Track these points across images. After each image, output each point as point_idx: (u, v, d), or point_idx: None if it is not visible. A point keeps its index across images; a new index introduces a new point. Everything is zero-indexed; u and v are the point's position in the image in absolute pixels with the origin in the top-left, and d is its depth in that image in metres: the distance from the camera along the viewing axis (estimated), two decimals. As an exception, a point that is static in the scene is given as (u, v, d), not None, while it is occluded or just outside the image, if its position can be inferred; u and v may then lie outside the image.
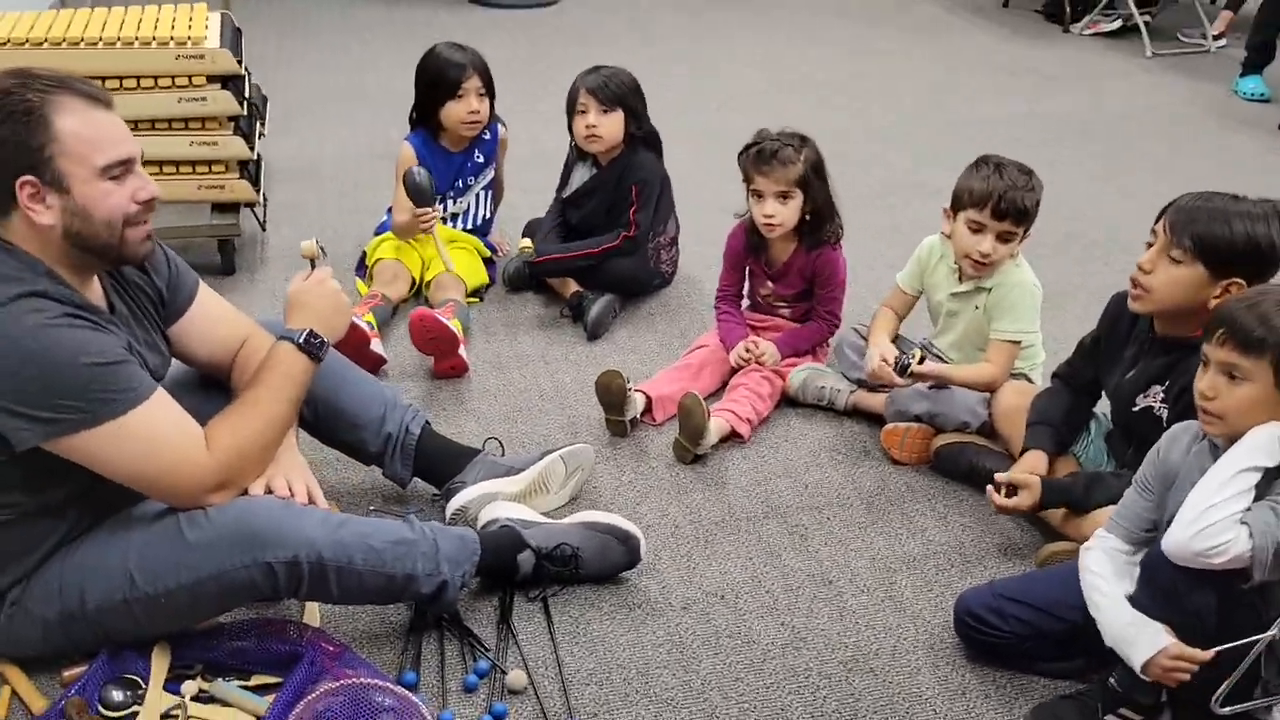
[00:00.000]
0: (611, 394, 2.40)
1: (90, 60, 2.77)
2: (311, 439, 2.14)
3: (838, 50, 5.45)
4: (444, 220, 3.08)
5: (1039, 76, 5.13)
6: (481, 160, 3.08)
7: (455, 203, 3.08)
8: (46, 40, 2.77)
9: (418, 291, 3.00)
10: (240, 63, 2.93)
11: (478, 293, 3.02)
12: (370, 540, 1.76)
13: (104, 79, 2.80)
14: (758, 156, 2.52)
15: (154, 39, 2.82)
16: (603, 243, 2.91)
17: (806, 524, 2.24)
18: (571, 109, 2.88)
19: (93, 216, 1.63)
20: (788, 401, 2.61)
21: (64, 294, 1.61)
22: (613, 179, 2.93)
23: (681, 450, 2.40)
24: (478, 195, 3.11)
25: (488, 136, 3.07)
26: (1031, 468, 2.13)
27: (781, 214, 2.55)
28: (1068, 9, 5.84)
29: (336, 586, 1.74)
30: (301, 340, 1.81)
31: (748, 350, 2.58)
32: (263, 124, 3.50)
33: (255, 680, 1.79)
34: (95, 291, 1.74)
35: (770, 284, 2.71)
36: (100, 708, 1.70)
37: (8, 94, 1.57)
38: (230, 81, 2.91)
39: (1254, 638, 1.57)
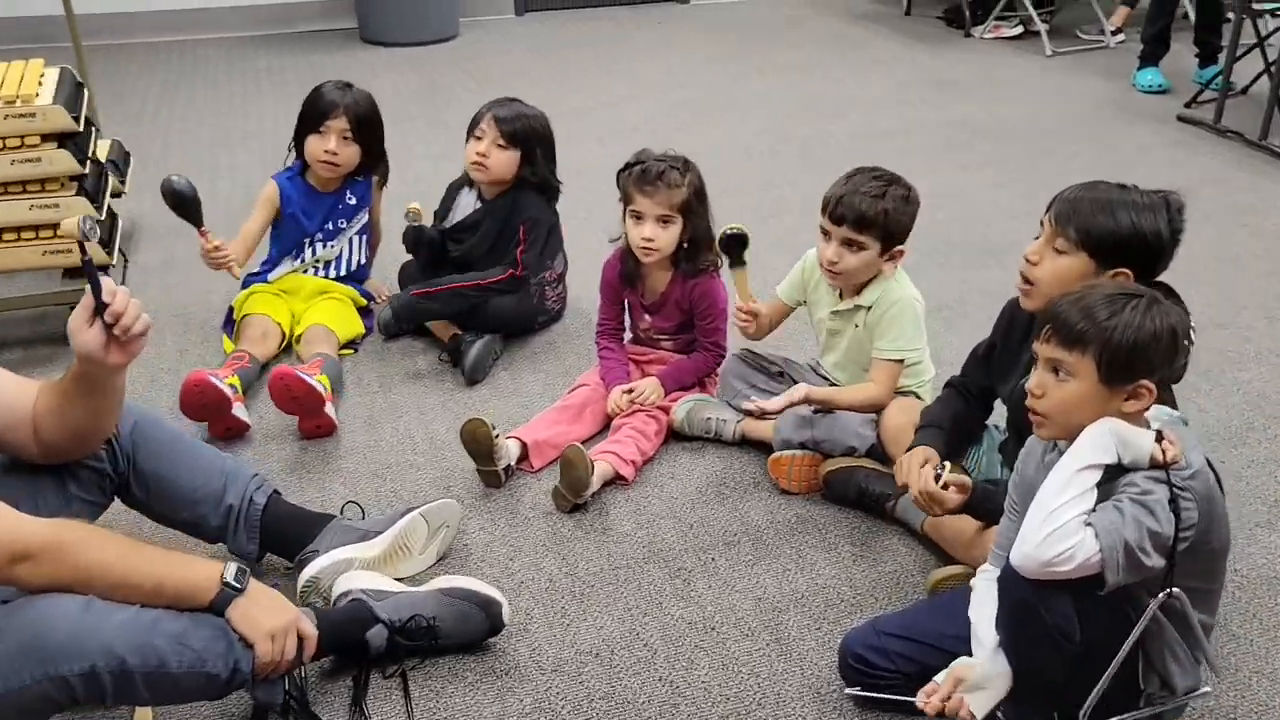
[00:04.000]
0: (478, 443, 2.26)
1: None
2: (150, 521, 1.98)
3: (739, 68, 5.38)
4: (314, 270, 2.94)
5: (941, 83, 5.09)
6: (354, 202, 2.94)
7: (326, 247, 2.94)
8: None
9: (288, 347, 2.84)
10: (79, 119, 2.77)
11: (352, 344, 2.88)
12: (186, 639, 1.59)
13: (-71, 144, 2.64)
14: (641, 176, 2.41)
15: (-26, 101, 2.66)
16: (488, 276, 2.77)
17: (690, 567, 2.11)
18: (470, 131, 2.76)
19: None
20: (675, 435, 2.49)
21: None
22: (500, 214, 2.80)
23: (561, 499, 2.26)
24: (351, 240, 2.97)
25: (360, 179, 2.93)
26: (921, 461, 2.03)
27: (661, 238, 2.43)
28: (968, 14, 5.83)
29: (147, 690, 1.57)
30: (230, 579, 1.63)
31: (624, 394, 2.45)
32: (122, 180, 3.35)
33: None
34: None
35: (648, 317, 2.59)
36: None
37: None
38: (69, 139, 2.75)
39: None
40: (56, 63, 3.04)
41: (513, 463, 2.35)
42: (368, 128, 2.84)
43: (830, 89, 5.03)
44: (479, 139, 2.74)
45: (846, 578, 2.07)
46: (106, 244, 2.91)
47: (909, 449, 2.02)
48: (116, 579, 1.58)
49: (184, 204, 2.57)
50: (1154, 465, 1.47)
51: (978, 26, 5.80)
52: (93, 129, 2.99)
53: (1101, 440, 1.48)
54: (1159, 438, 1.47)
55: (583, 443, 2.42)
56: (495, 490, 2.33)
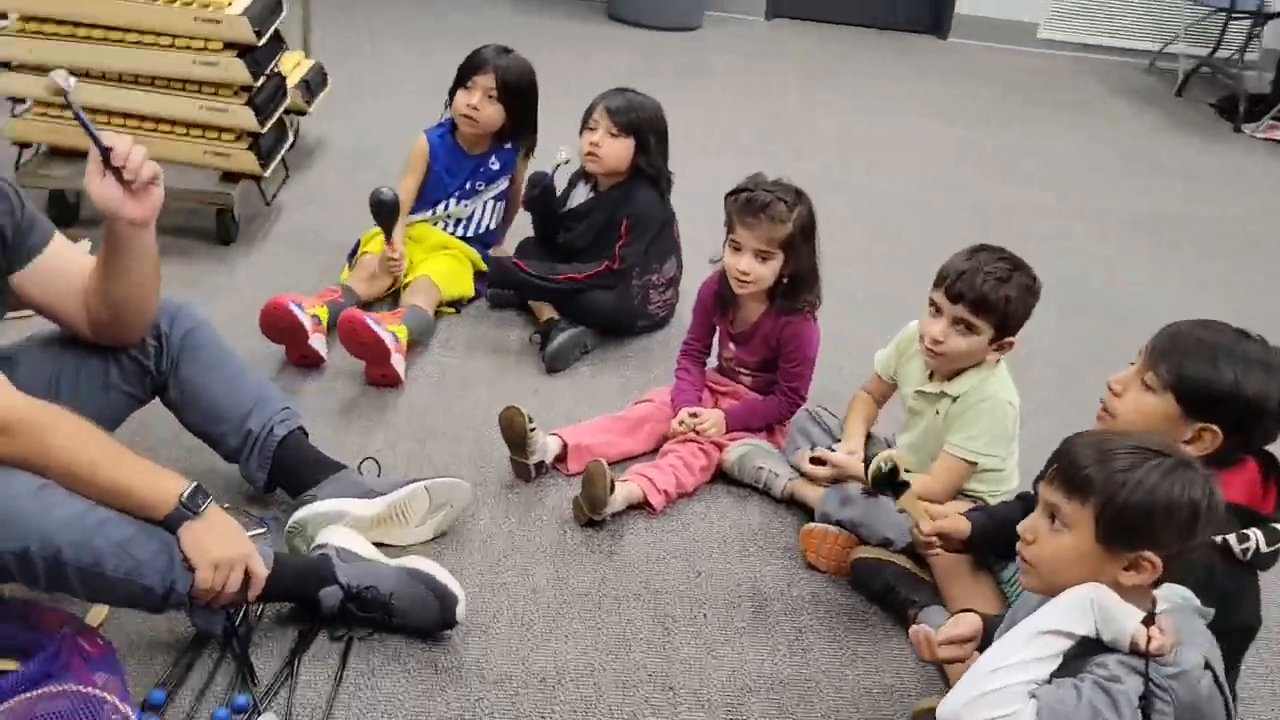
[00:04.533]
0: (513, 431, 2.21)
1: (111, 10, 2.78)
2: (178, 425, 2.04)
3: (974, 116, 5.07)
4: (444, 224, 2.96)
5: (1191, 174, 4.63)
6: (497, 167, 2.94)
7: (460, 205, 2.95)
8: (74, -15, 2.80)
9: (398, 292, 2.88)
10: (263, 34, 2.88)
11: (457, 304, 2.88)
12: (129, 547, 1.61)
13: (124, 30, 2.82)
14: (745, 205, 2.28)
15: (170, -1, 2.81)
16: (584, 269, 2.71)
17: (677, 616, 1.98)
18: (584, 123, 2.72)
19: None
20: (724, 476, 2.35)
21: None
22: (609, 206, 2.74)
23: (579, 511, 2.18)
24: (487, 203, 2.97)
25: (509, 146, 2.93)
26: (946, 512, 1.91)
27: (757, 273, 2.30)
28: (1242, 108, 5.28)
29: (81, 586, 1.61)
30: (186, 498, 1.64)
31: (687, 421, 2.34)
32: (309, 101, 3.48)
33: (3, 663, 1.67)
34: None
35: (733, 346, 2.46)
36: None
37: None
38: (248, 52, 2.87)
39: None
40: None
41: (548, 460, 2.28)
42: (515, 93, 2.82)
43: (1064, 157, 4.66)
44: (592, 130, 2.68)
45: (836, 676, 1.89)
46: (265, 157, 3.03)
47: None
48: (80, 471, 1.61)
49: (384, 214, 2.68)
50: (1134, 651, 1.25)
51: (1251, 123, 5.24)
52: (280, 46, 3.11)
53: (1080, 606, 1.27)
54: (1149, 620, 1.24)
55: (629, 459, 2.33)
56: (523, 484, 2.27)
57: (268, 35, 2.93)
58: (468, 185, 2.94)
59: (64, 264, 1.87)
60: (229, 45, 2.85)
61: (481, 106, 2.81)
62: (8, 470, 1.59)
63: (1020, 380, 2.14)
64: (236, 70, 2.84)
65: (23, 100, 2.98)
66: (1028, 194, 4.20)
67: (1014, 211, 3.98)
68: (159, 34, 2.82)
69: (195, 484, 1.67)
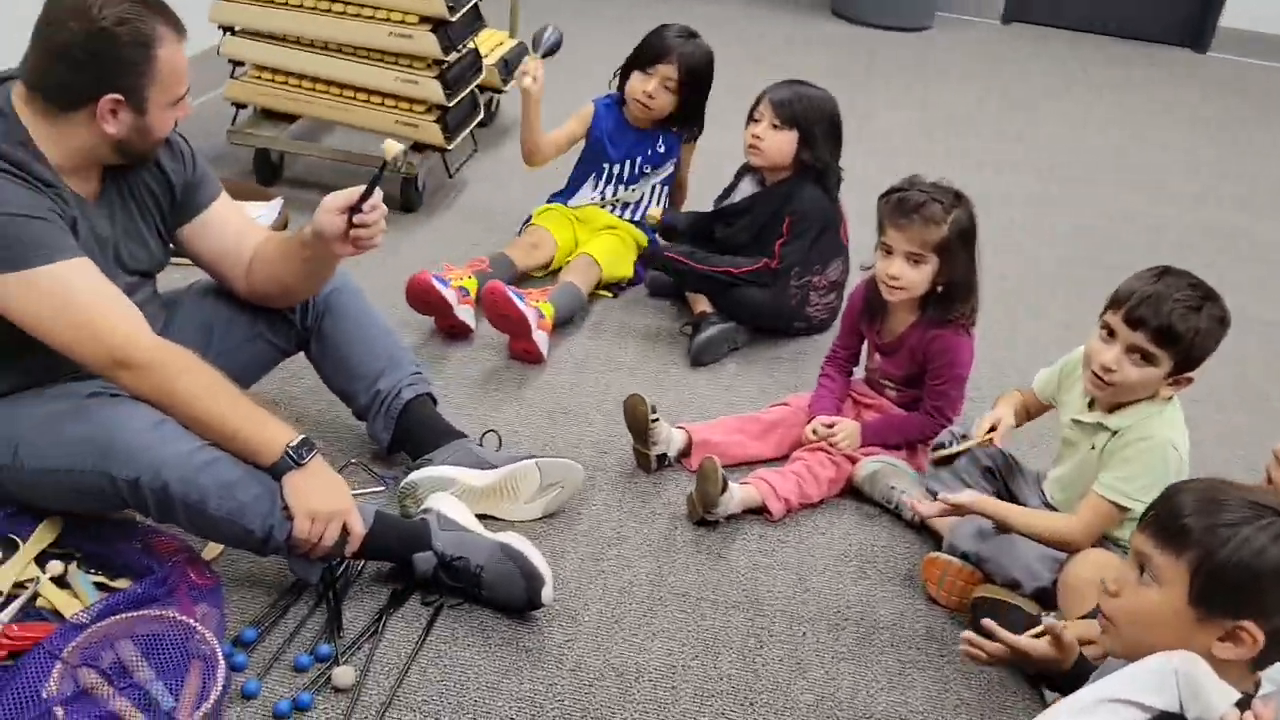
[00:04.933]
0: (635, 419, 2.17)
1: (316, -22, 2.92)
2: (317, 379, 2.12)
3: (1236, 147, 4.62)
4: (612, 208, 2.95)
5: None
6: (662, 150, 2.91)
7: (627, 189, 2.93)
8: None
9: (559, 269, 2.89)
10: (456, 9, 2.95)
11: (616, 286, 2.87)
12: (235, 490, 1.68)
13: (332, 0, 2.95)
14: (897, 206, 2.16)
15: (378, -28, 2.92)
16: (742, 264, 2.64)
17: (775, 631, 1.89)
18: (749, 114, 2.64)
19: (149, 135, 1.74)
20: (854, 491, 2.23)
21: (14, 156, 1.66)
22: (772, 203, 2.65)
23: (692, 508, 2.12)
24: (654, 187, 2.95)
25: (675, 130, 2.90)
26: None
27: (908, 277, 2.17)
28: None
29: (187, 520, 1.69)
30: (292, 447, 1.70)
31: (820, 430, 2.23)
32: (506, 81, 3.55)
33: (118, 583, 1.78)
34: (95, 174, 1.80)
35: (879, 357, 2.33)
36: (-25, 554, 1.77)
37: (125, 21, 1.65)
38: (441, 26, 2.95)
39: None
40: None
41: (672, 453, 2.23)
42: (694, 83, 2.78)
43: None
44: (756, 121, 2.59)
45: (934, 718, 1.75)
46: (452, 131, 3.11)
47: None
48: (198, 413, 1.69)
49: (538, 43, 2.82)
50: None
51: None
52: (477, 23, 3.18)
53: (1160, 674, 1.11)
54: (1245, 703, 1.07)
55: (756, 463, 2.26)
56: (643, 475, 2.23)
57: (463, 11, 3.00)
58: (630, 163, 2.91)
59: (224, 224, 1.98)
60: (424, 19, 2.94)
61: (657, 95, 2.78)
62: (133, 403, 1.70)
63: (1195, 422, 1.92)
64: (428, 44, 2.93)
65: (241, 63, 3.17)
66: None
67: (1262, 245, 3.61)
68: (361, 5, 2.94)
69: (303, 436, 1.72)
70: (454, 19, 2.95)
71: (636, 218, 2.96)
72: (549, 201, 3.00)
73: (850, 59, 5.07)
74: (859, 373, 2.44)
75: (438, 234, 3.07)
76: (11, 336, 1.68)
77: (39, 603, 1.73)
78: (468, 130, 3.26)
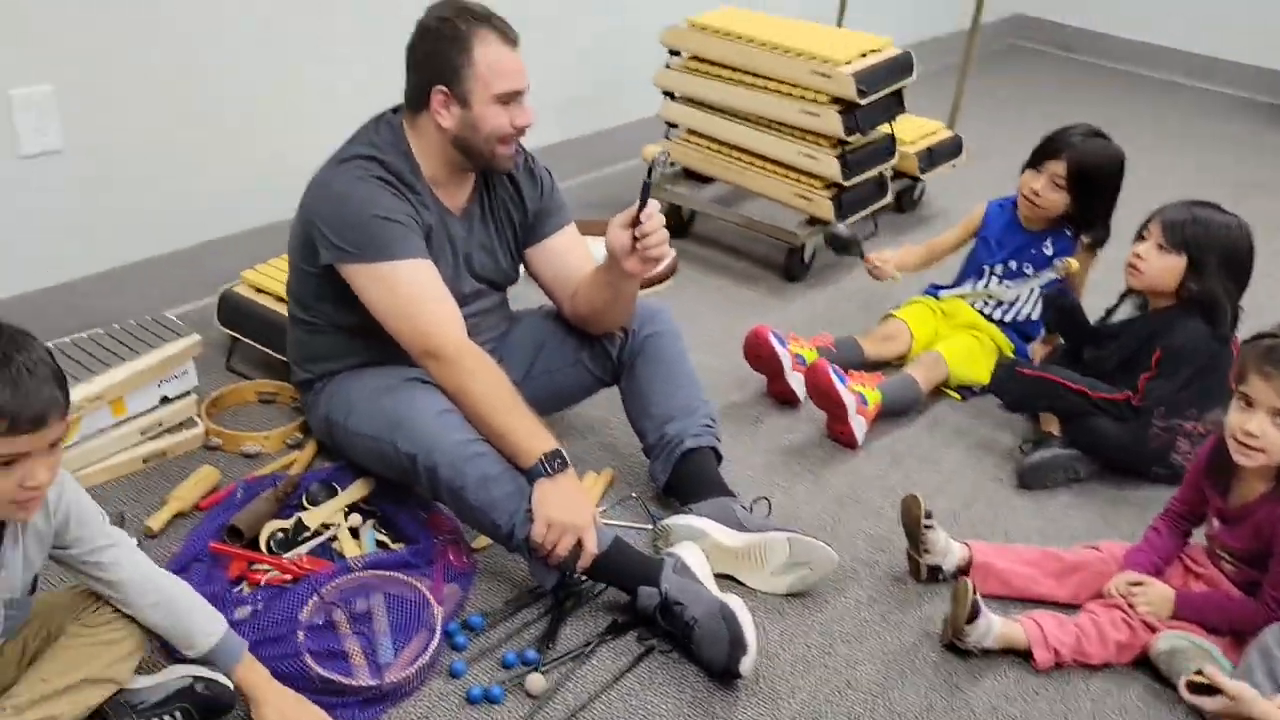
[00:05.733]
0: (908, 520, 2.06)
1: (756, 57, 3.10)
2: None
3: None
4: (983, 303, 2.80)
5: None
6: (1049, 253, 2.72)
7: (1003, 285, 2.77)
8: (728, 32, 3.16)
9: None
10: (866, 94, 2.98)
11: (966, 389, 2.72)
12: (491, 484, 1.85)
13: (756, 75, 3.13)
14: (1267, 353, 1.86)
15: (801, 51, 3.04)
16: (1099, 388, 2.39)
17: (984, 784, 1.70)
18: (1139, 231, 2.40)
19: (479, 130, 1.98)
20: (1148, 664, 1.93)
21: (395, 166, 1.98)
22: (1143, 332, 2.39)
23: (944, 629, 1.97)
24: (1033, 290, 2.76)
25: (1068, 232, 2.71)
26: None
27: (1270, 438, 1.85)
28: None
29: (449, 502, 1.90)
30: (546, 457, 1.85)
31: (1121, 587, 1.97)
32: (925, 170, 3.52)
33: (395, 546, 2.03)
34: (464, 190, 2.09)
35: (1218, 523, 2.00)
36: (305, 493, 2.10)
37: (445, 20, 1.97)
38: (851, 109, 3.00)
39: None
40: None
41: (947, 567, 2.08)
42: (1087, 183, 2.58)
43: None
44: (1143, 239, 2.33)
45: None
46: (847, 209, 3.14)
47: None
48: (481, 409, 1.90)
49: (843, 247, 2.86)
50: None
51: None
52: (895, 109, 3.19)
53: None
54: None
55: (1044, 604, 2.04)
56: (911, 581, 2.10)
57: (875, 96, 3.04)
58: (1013, 264, 2.76)
59: (566, 252, 2.20)
60: (835, 100, 3.01)
61: (1044, 193, 2.62)
62: (432, 391, 1.94)
63: None
64: (833, 123, 2.99)
65: (675, 125, 3.45)
66: None
67: None
68: (781, 81, 3.08)
69: (558, 449, 1.86)
70: (863, 103, 2.99)
71: (1006, 319, 2.79)
72: (926, 292, 2.92)
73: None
74: (1199, 537, 2.11)
75: (812, 307, 3.10)
76: (367, 321, 2.00)
77: (334, 545, 2.03)
78: (867, 211, 3.27)
